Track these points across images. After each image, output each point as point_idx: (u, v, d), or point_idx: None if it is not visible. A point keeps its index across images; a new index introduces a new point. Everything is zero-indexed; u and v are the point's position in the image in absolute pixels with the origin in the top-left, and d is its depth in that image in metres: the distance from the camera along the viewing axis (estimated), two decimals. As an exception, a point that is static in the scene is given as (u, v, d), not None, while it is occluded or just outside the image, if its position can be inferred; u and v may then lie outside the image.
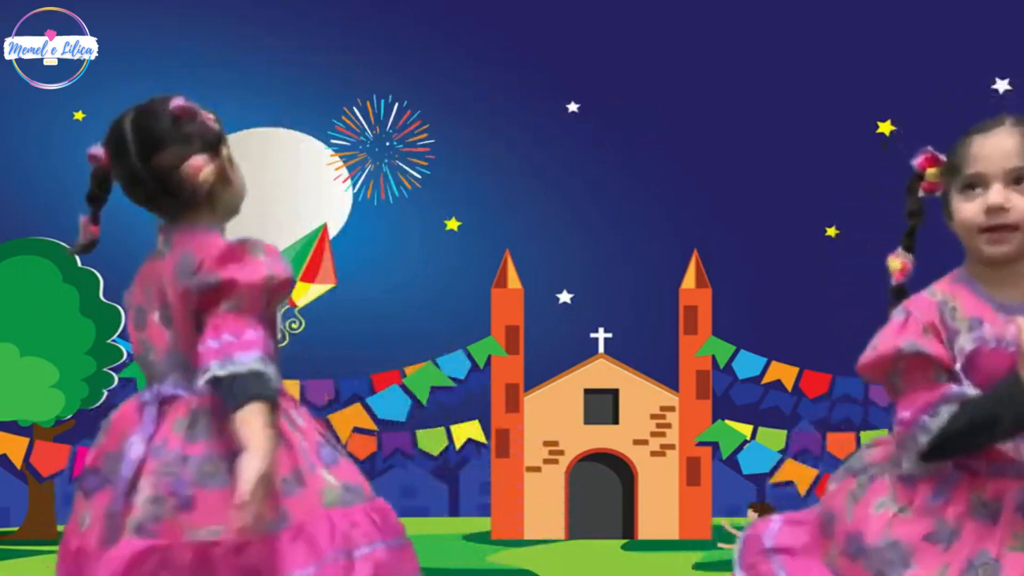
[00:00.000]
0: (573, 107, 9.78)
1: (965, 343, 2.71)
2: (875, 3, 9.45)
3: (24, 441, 9.10)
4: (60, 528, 10.01)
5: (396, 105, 10.03)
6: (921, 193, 2.89)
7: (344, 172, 10.32)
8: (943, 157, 2.87)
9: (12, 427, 9.12)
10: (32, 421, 9.12)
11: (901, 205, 3.08)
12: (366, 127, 10.26)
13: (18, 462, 9.10)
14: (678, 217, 9.62)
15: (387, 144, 9.96)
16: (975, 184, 2.73)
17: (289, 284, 2.70)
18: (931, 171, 2.87)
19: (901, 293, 2.84)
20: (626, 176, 9.75)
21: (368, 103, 10.38)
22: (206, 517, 2.61)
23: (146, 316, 2.80)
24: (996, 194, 2.69)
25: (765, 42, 9.50)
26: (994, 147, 2.71)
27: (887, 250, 3.11)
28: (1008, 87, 9.43)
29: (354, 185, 10.39)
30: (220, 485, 2.62)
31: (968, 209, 2.72)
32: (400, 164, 9.92)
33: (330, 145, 10.30)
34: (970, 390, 2.62)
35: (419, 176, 9.85)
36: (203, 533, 2.59)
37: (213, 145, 2.81)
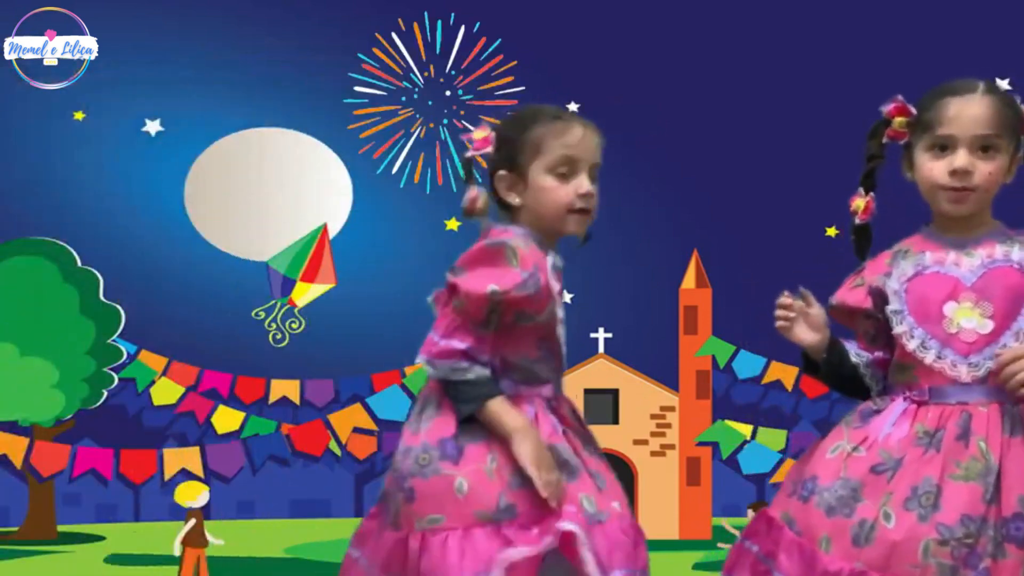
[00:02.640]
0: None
1: (907, 269, 2.97)
2: (875, 3, 9.45)
3: (24, 441, 9.10)
4: (60, 528, 10.01)
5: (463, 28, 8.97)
6: (885, 139, 3.07)
7: (373, 141, 10.08)
8: (912, 108, 3.05)
9: (12, 427, 9.12)
10: (32, 421, 9.11)
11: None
12: (413, 66, 9.32)
13: (18, 462, 9.09)
14: (678, 217, 9.61)
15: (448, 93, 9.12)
16: (944, 145, 2.95)
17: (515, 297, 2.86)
18: (899, 120, 3.09)
19: (864, 232, 3.15)
20: (626, 176, 9.74)
21: (416, 25, 9.37)
22: (425, 506, 2.79)
23: None
24: (962, 158, 2.92)
25: (765, 42, 9.50)
26: (966, 113, 2.92)
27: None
28: (1008, 87, 9.41)
29: (391, 161, 9.82)
30: (433, 474, 2.80)
31: (934, 168, 2.98)
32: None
33: (350, 96, 9.57)
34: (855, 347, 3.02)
35: None
36: (424, 522, 2.78)
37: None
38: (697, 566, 8.35)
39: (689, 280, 9.58)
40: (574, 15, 9.60)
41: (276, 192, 9.64)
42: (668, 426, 9.62)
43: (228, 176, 9.59)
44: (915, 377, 2.91)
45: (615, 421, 9.66)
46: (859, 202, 3.22)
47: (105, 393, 9.20)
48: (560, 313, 2.95)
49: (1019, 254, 2.92)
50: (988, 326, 2.87)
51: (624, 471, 9.68)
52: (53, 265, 9.12)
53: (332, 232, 9.57)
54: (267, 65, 9.62)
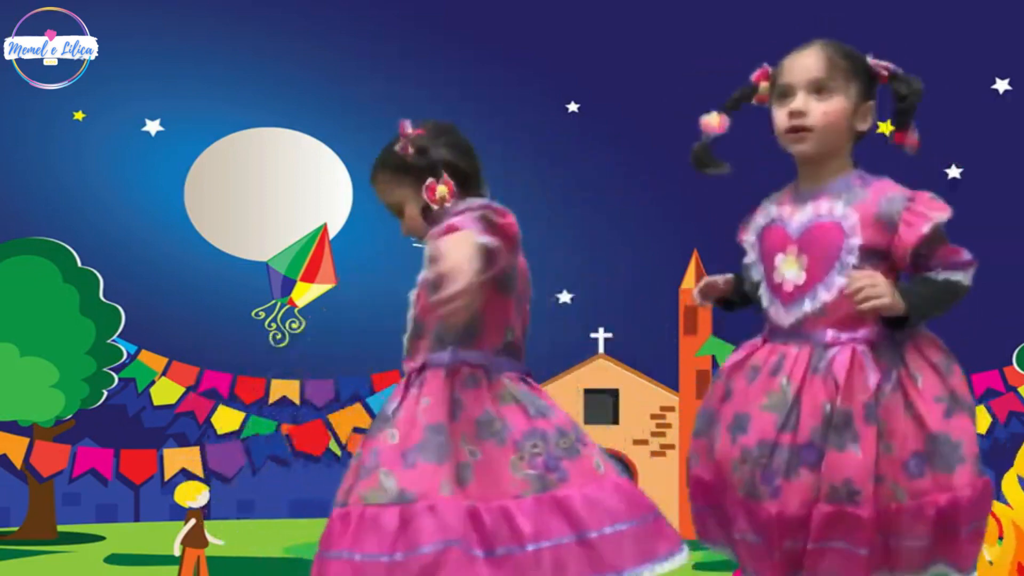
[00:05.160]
0: (573, 107, 9.78)
1: (761, 220, 3.49)
2: (874, 3, 9.46)
3: (24, 441, 9.10)
4: (60, 528, 9.99)
5: None
6: (754, 102, 3.66)
7: None
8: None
9: (12, 427, 9.12)
10: (32, 421, 9.12)
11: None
12: None
13: (18, 462, 9.10)
14: (678, 217, 9.62)
15: None
16: (786, 93, 3.21)
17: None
18: (763, 85, 3.41)
19: (704, 152, 3.76)
20: (626, 176, 9.75)
21: None
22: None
23: None
24: (798, 100, 3.30)
25: (765, 42, 9.48)
26: (800, 62, 3.31)
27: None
28: (1008, 87, 9.43)
29: None
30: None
31: (778, 114, 3.41)
32: None
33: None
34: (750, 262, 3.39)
35: None
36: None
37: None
38: (697, 566, 8.34)
39: (689, 280, 9.58)
40: (574, 15, 9.60)
41: (276, 192, 9.65)
42: (668, 426, 9.63)
43: (228, 176, 9.59)
44: (765, 317, 3.34)
45: (615, 421, 9.66)
46: (713, 120, 3.61)
47: (105, 393, 9.20)
48: None
49: (843, 210, 3.20)
50: (803, 278, 3.19)
51: (624, 471, 9.69)
52: (53, 265, 9.13)
53: (332, 232, 9.58)
54: (267, 65, 9.63)
